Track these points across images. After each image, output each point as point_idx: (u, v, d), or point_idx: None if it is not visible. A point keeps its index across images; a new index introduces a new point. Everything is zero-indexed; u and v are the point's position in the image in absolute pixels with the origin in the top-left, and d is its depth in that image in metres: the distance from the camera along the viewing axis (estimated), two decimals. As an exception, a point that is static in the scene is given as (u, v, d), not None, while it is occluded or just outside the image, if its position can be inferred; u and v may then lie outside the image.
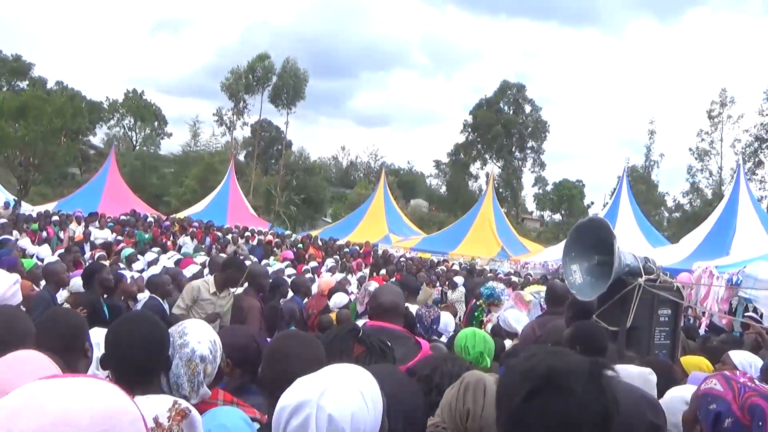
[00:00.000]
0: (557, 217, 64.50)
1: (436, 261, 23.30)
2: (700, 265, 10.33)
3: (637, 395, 2.37)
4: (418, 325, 5.78)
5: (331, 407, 1.66)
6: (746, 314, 8.40)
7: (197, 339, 2.67)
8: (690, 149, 59.39)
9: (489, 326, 6.96)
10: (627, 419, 2.11)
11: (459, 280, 15.95)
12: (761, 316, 8.37)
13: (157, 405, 1.56)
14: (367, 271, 18.11)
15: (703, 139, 58.73)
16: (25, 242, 15.41)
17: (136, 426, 1.18)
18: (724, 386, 2.07)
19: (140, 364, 2.46)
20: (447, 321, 7.00)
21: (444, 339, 6.25)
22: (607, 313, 5.70)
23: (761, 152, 56.51)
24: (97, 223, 20.53)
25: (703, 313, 8.99)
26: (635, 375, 2.89)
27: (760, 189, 52.17)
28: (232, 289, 6.87)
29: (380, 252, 24.43)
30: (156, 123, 71.00)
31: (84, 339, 3.05)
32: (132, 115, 69.31)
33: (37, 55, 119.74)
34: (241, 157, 61.17)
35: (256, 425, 2.47)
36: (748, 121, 56.99)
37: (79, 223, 20.77)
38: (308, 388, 1.70)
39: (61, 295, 7.29)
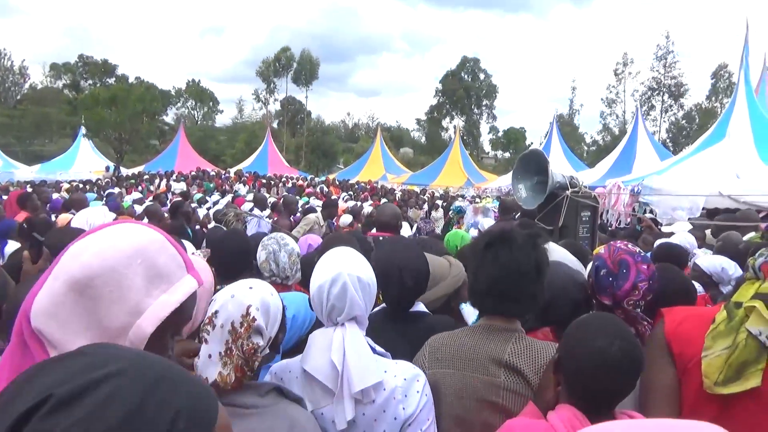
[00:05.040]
0: (507, 155, 63.84)
1: (421, 190, 23.31)
2: (611, 182, 10.31)
3: (564, 273, 2.26)
4: (417, 232, 5.86)
5: (356, 272, 1.69)
6: (646, 214, 8.46)
7: (292, 243, 2.87)
8: (601, 99, 58.97)
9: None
10: (554, 292, 2.07)
11: (439, 202, 16.15)
12: (655, 215, 8.43)
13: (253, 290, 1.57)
14: (370, 200, 18.11)
15: (610, 91, 58.15)
16: (123, 193, 15.45)
17: (164, 248, 1.07)
18: (605, 249, 2.13)
19: (234, 262, 2.54)
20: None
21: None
22: (545, 217, 5.73)
23: (653, 98, 55.89)
24: (174, 177, 20.45)
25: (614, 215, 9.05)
26: (561, 253, 2.86)
27: (652, 126, 51.77)
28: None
29: (379, 186, 24.40)
30: (211, 103, 69.70)
31: None
32: (193, 99, 67.98)
33: (119, 58, 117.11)
34: (275, 125, 60.33)
35: None
36: (643, 75, 56.28)
37: (162, 179, 20.70)
38: (334, 264, 1.70)
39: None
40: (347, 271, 1.67)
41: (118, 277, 0.99)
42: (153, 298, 1.02)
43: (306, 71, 57.05)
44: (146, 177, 21.70)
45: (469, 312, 2.33)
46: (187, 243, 3.38)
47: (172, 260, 1.08)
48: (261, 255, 2.70)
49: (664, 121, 56.51)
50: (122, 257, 1.00)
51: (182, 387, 0.68)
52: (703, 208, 7.90)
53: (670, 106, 56.21)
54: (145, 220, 7.37)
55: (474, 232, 6.15)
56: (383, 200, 17.09)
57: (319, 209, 8.46)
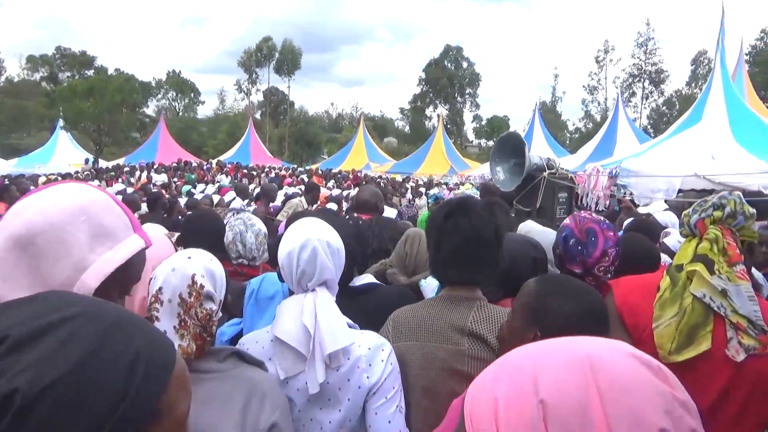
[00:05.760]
0: (491, 143, 64.07)
1: (404, 179, 23.35)
2: (591, 165, 10.40)
3: (521, 238, 2.38)
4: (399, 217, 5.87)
5: (325, 237, 1.70)
6: (625, 197, 8.54)
7: (259, 224, 2.86)
8: (583, 86, 59.43)
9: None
10: (514, 254, 2.17)
11: (422, 190, 16.20)
12: (633, 197, 8.51)
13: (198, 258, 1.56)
14: (354, 189, 18.07)
15: (592, 78, 58.70)
16: (102, 186, 15.28)
17: (109, 207, 1.09)
18: (570, 220, 2.17)
19: (207, 243, 2.53)
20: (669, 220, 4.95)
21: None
22: (523, 198, 5.78)
23: (634, 85, 56.42)
24: (155, 169, 20.24)
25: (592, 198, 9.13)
26: (539, 228, 2.90)
27: (633, 112, 52.35)
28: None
29: (363, 175, 24.40)
30: (192, 95, 68.76)
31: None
32: (174, 90, 67.05)
33: (98, 50, 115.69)
34: (258, 116, 59.84)
35: None
36: (624, 62, 56.85)
37: (143, 171, 20.46)
38: (303, 231, 1.71)
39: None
40: (316, 236, 1.68)
41: (61, 234, 0.99)
42: (97, 254, 1.02)
43: (288, 61, 56.77)
44: (126, 169, 21.41)
45: (429, 288, 2.34)
46: (158, 225, 3.35)
47: (117, 219, 1.08)
48: (228, 236, 2.70)
49: (645, 108, 57.21)
50: (65, 214, 1.01)
51: (140, 332, 0.68)
52: (680, 189, 8.01)
53: (651, 92, 56.86)
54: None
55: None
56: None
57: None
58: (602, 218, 2.14)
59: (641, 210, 6.56)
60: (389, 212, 6.59)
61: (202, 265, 1.47)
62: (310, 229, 1.72)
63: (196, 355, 1.39)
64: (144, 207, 7.63)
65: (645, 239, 2.49)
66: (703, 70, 53.11)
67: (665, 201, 7.63)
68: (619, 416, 0.58)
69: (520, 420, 0.61)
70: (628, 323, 1.74)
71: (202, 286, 1.42)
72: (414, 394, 1.78)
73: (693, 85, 54.46)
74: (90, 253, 1.02)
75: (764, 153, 8.50)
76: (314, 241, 1.67)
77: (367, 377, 1.62)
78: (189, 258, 1.48)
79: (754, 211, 1.73)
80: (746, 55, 22.98)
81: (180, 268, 1.44)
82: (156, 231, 2.19)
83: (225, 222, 3.70)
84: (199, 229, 2.65)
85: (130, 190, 11.19)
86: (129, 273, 1.09)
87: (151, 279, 1.46)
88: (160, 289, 1.41)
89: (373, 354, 1.64)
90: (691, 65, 55.25)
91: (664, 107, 56.45)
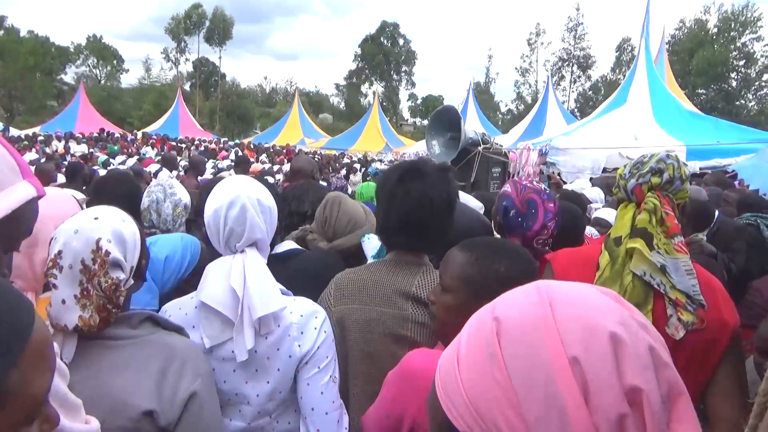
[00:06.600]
0: (425, 122, 64.52)
1: (339, 155, 23.17)
2: (522, 144, 10.63)
3: (475, 216, 2.38)
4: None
5: (256, 195, 1.58)
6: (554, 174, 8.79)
7: (181, 193, 2.61)
8: (516, 68, 60.69)
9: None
10: (467, 231, 2.14)
11: (357, 166, 16.19)
12: (561, 175, 8.79)
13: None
14: (288, 164, 17.73)
15: (524, 61, 60.00)
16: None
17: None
18: (512, 187, 2.12)
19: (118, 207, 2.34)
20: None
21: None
22: (458, 172, 5.79)
23: (563, 69, 58.28)
24: (74, 139, 19.03)
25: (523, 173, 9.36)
26: (467, 196, 2.90)
27: (562, 95, 54.05)
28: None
29: (297, 150, 24.00)
30: (115, 62, 64.62)
31: None
32: (95, 57, 62.71)
33: (8, 9, 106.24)
34: (187, 87, 57.32)
35: None
36: (555, 46, 58.44)
37: (60, 141, 19.18)
38: (232, 188, 1.57)
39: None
40: (246, 193, 1.55)
41: None
42: None
43: (219, 31, 54.59)
44: (41, 138, 19.95)
45: (371, 246, 2.27)
46: (75, 192, 3.10)
47: (0, 161, 0.92)
48: (144, 201, 2.48)
49: (573, 91, 59.28)
50: None
51: None
52: (605, 168, 8.33)
53: (579, 76, 58.93)
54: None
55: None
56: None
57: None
58: (543, 187, 2.11)
59: (567, 187, 6.77)
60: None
61: (110, 228, 1.30)
62: (240, 186, 1.58)
63: (100, 327, 1.24)
64: (61, 178, 7.12)
65: (575, 210, 2.52)
66: (627, 57, 55.47)
67: (590, 178, 7.93)
68: (570, 324, 0.59)
69: (477, 340, 0.63)
70: None
71: (107, 253, 1.26)
72: (353, 358, 1.72)
73: (617, 71, 56.81)
74: None
75: (682, 134, 8.99)
76: (243, 198, 1.54)
77: (299, 345, 1.52)
78: (96, 219, 1.31)
79: (690, 171, 1.74)
80: (666, 44, 24.16)
81: (84, 231, 1.27)
82: (64, 192, 1.98)
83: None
84: (110, 192, 2.44)
85: (44, 160, 10.45)
86: (16, 225, 0.94)
87: (52, 239, 1.28)
88: (59, 252, 1.25)
89: (305, 321, 1.55)
90: (616, 52, 57.60)
91: (590, 92, 58.68)
